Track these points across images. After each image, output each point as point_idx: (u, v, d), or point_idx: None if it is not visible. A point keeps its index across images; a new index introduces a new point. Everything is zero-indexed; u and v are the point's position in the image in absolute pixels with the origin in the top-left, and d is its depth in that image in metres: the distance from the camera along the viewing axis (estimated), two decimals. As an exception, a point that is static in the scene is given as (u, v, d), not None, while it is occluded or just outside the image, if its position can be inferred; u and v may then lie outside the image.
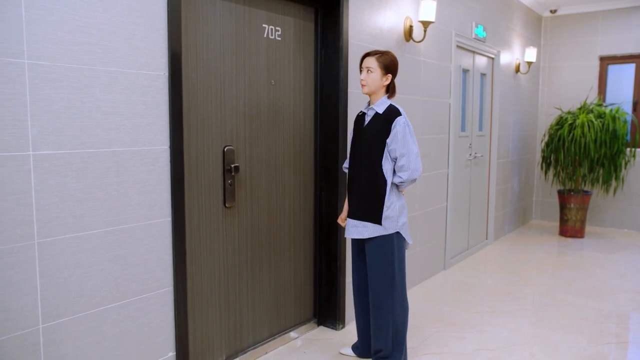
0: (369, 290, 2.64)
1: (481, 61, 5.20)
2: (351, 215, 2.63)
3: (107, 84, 1.96)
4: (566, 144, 5.71)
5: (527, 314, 3.62)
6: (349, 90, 3.18)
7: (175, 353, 2.31)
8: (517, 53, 5.95)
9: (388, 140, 2.50)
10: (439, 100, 4.30)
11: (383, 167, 2.52)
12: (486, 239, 5.63)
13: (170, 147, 2.21)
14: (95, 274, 1.98)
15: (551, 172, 6.28)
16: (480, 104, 5.31)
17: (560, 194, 6.02)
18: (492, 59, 5.42)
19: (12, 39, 1.69)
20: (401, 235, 2.59)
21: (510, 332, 3.29)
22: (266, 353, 2.94)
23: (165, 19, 2.15)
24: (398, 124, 2.48)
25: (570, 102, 6.50)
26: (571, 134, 5.67)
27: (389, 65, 2.54)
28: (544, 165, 6.18)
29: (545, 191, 6.87)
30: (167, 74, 2.17)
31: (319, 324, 3.34)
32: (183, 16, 2.33)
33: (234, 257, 2.74)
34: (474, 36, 4.79)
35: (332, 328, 3.29)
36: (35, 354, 1.82)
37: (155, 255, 2.20)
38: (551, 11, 6.59)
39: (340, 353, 2.95)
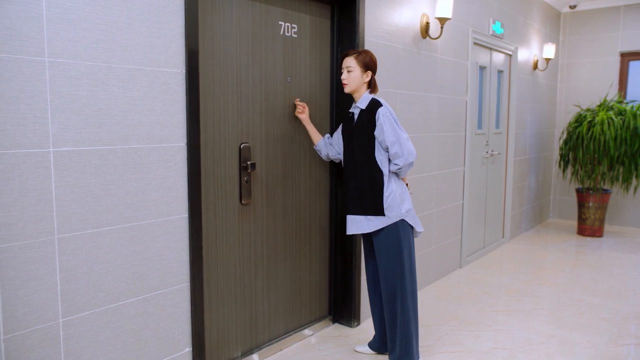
0: (380, 281, 2.65)
1: (498, 58, 5.14)
2: (351, 211, 2.66)
3: (125, 81, 1.98)
4: (585, 142, 5.63)
5: (544, 313, 3.58)
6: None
7: (191, 348, 2.33)
8: (535, 50, 5.87)
9: (376, 133, 2.55)
10: (455, 97, 4.27)
11: (377, 159, 2.57)
12: (502, 238, 5.57)
13: (187, 144, 2.22)
14: (113, 270, 2.01)
15: (569, 170, 6.20)
16: (497, 101, 5.25)
17: (579, 192, 5.94)
18: (510, 55, 5.35)
19: (33, 37, 1.72)
20: (406, 222, 2.60)
21: (526, 332, 3.25)
22: (281, 350, 2.95)
23: (182, 16, 2.16)
24: (381, 115, 2.53)
25: (590, 99, 6.40)
26: (590, 132, 5.58)
27: (368, 62, 2.62)
28: (562, 163, 6.10)
29: (563, 189, 6.78)
30: (184, 71, 2.19)
31: (334, 321, 3.34)
32: (200, 13, 2.34)
33: (249, 254, 2.75)
34: (491, 33, 4.74)
35: (347, 325, 3.29)
36: (55, 347, 1.85)
37: (172, 252, 2.22)
38: (570, 7, 6.48)
39: (356, 351, 2.95)
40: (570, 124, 5.94)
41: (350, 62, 2.61)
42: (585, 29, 6.54)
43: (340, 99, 3.17)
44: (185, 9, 2.16)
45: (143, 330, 2.13)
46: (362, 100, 2.63)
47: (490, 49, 4.93)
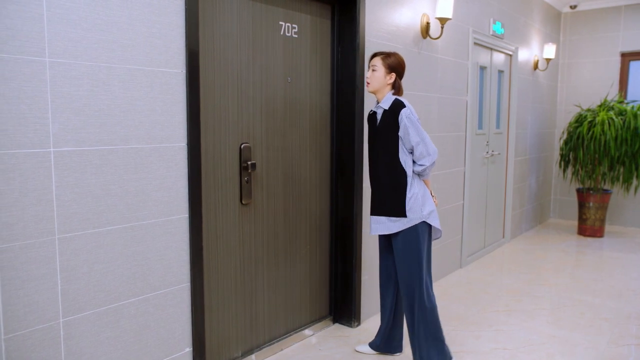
0: (399, 283, 2.66)
1: (499, 58, 5.14)
2: (375, 212, 2.67)
3: (125, 81, 1.99)
4: (585, 142, 5.62)
5: (544, 313, 3.58)
6: (365, 88, 3.17)
7: (192, 348, 2.33)
8: (535, 50, 5.87)
9: (400, 134, 2.55)
10: (455, 97, 4.27)
11: (401, 160, 2.57)
12: (503, 238, 5.57)
13: (187, 144, 2.23)
14: (114, 270, 2.01)
15: (570, 170, 6.19)
16: (498, 101, 5.25)
17: (579, 192, 5.93)
18: (510, 55, 5.35)
19: (34, 37, 1.72)
20: (427, 224, 2.61)
21: (527, 332, 3.25)
22: (282, 350, 2.95)
23: (183, 16, 2.16)
24: (404, 116, 2.53)
25: (590, 99, 6.39)
26: (591, 132, 5.57)
27: (395, 65, 2.62)
28: (562, 163, 6.10)
29: (564, 190, 6.78)
30: (184, 71, 2.19)
31: (335, 321, 3.34)
32: (200, 13, 2.35)
33: (250, 254, 2.75)
34: (491, 33, 4.73)
35: (348, 325, 3.29)
36: (55, 347, 1.85)
37: (173, 252, 2.22)
38: (571, 7, 6.48)
39: (356, 351, 2.95)
40: (570, 124, 5.94)
41: (375, 62, 2.63)
42: (585, 29, 6.53)
43: (341, 99, 3.17)
44: (186, 9, 2.16)
45: (143, 330, 2.13)
46: (385, 101, 2.62)
47: (491, 49, 4.93)
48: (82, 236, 1.90)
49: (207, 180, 2.48)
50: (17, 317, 1.75)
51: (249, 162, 2.64)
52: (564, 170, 6.12)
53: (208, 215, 2.49)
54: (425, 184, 2.68)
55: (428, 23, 3.71)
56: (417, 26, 3.67)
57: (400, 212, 2.57)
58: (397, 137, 2.57)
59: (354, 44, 3.08)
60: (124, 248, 2.04)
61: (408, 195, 2.57)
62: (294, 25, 2.88)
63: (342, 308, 3.31)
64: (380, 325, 2.88)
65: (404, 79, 3.53)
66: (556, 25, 6.53)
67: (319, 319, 3.26)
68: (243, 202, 2.66)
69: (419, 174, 2.62)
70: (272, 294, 2.92)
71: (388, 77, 2.62)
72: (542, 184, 6.53)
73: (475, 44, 4.57)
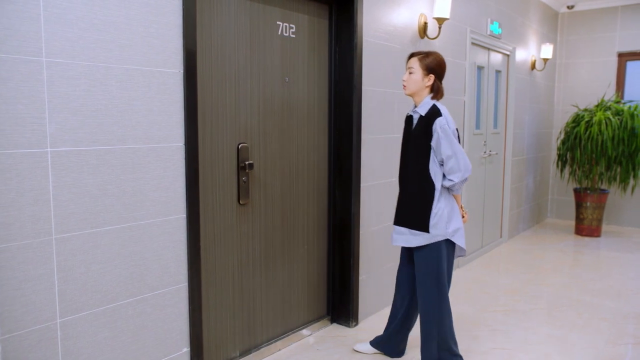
0: (418, 298, 2.59)
1: (496, 58, 5.14)
2: (398, 222, 2.59)
3: (123, 81, 1.98)
4: (583, 142, 5.64)
5: (542, 313, 3.58)
6: (363, 87, 3.17)
7: (189, 348, 2.32)
8: (533, 50, 5.88)
9: (432, 144, 2.44)
10: (453, 97, 4.27)
11: (430, 171, 2.46)
12: (500, 237, 5.58)
13: (185, 144, 2.22)
14: (111, 270, 2.01)
15: (567, 170, 6.20)
16: (495, 101, 5.26)
17: (577, 192, 5.95)
18: (508, 55, 5.36)
19: (31, 37, 1.72)
20: (451, 242, 2.51)
21: (525, 332, 3.26)
22: (279, 350, 2.95)
23: (180, 16, 2.16)
24: (438, 126, 2.41)
25: (587, 99, 6.41)
26: (588, 132, 5.59)
27: (433, 66, 2.50)
28: (559, 163, 6.11)
29: (561, 189, 6.79)
30: (182, 71, 2.19)
31: (332, 321, 3.34)
32: (198, 13, 2.34)
33: (247, 254, 2.75)
34: (489, 33, 4.74)
35: (345, 325, 3.29)
36: (53, 348, 1.85)
37: (170, 252, 2.21)
38: (568, 7, 6.49)
39: (355, 350, 2.94)
40: (568, 124, 5.95)
41: (413, 64, 2.51)
42: (583, 29, 6.55)
43: (338, 99, 3.17)
44: (183, 8, 2.16)
45: (141, 330, 2.13)
46: (422, 106, 2.51)
47: (488, 49, 4.93)
48: (79, 236, 1.90)
49: (205, 180, 2.47)
50: (14, 318, 1.75)
51: (247, 162, 2.64)
52: (562, 170, 6.13)
53: (205, 215, 2.49)
54: (455, 199, 2.57)
55: (426, 23, 3.72)
56: (415, 26, 3.68)
57: (424, 226, 2.47)
58: (429, 147, 2.45)
59: (351, 44, 3.08)
60: (122, 248, 2.04)
61: (434, 210, 2.45)
62: (291, 25, 2.88)
63: (340, 308, 3.31)
64: (387, 326, 2.85)
65: (401, 79, 3.55)
66: (553, 25, 6.54)
67: (317, 319, 3.26)
68: (241, 202, 2.66)
69: (448, 189, 2.51)
70: (270, 294, 2.91)
71: (426, 80, 2.50)
72: (539, 184, 6.54)
73: (473, 44, 4.57)
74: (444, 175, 2.47)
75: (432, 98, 2.53)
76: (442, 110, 2.47)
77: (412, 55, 2.56)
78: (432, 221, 2.46)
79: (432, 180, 2.46)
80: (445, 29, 4.01)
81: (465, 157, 2.43)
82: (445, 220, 2.47)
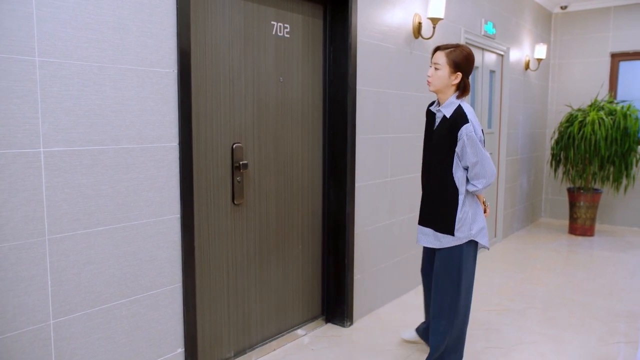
0: (432, 295, 2.55)
1: (490, 58, 5.16)
2: (423, 222, 2.55)
3: (116, 81, 1.97)
4: (576, 142, 5.67)
5: (536, 312, 3.60)
6: (357, 87, 3.17)
7: (184, 349, 2.32)
8: (526, 50, 5.91)
9: (457, 150, 2.35)
10: (447, 97, 4.28)
11: (454, 176, 2.40)
12: (495, 237, 5.60)
13: (179, 144, 2.22)
14: (105, 270, 2.00)
15: (561, 170, 6.24)
16: (489, 101, 5.28)
17: (570, 192, 5.98)
18: (502, 56, 5.38)
19: (23, 36, 1.70)
20: (473, 242, 2.48)
21: (519, 331, 3.27)
22: (274, 350, 2.95)
23: (174, 16, 2.15)
24: (464, 133, 2.31)
25: (581, 99, 6.44)
26: (581, 132, 5.62)
27: (460, 62, 2.35)
28: (553, 163, 6.14)
29: (555, 189, 6.83)
30: (176, 71, 2.18)
31: (327, 320, 3.35)
32: (192, 13, 2.34)
33: (242, 254, 2.75)
34: (483, 33, 4.76)
35: (341, 325, 3.29)
36: (46, 349, 1.84)
37: (164, 252, 2.21)
38: (561, 7, 6.52)
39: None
40: (561, 124, 5.98)
41: (439, 59, 2.36)
42: (576, 30, 6.58)
43: (333, 99, 3.17)
44: (177, 8, 2.15)
45: (135, 331, 2.12)
46: (447, 105, 2.39)
47: (482, 49, 4.95)
48: (72, 237, 1.89)
49: (199, 180, 2.47)
50: (6, 319, 1.73)
51: (241, 162, 2.63)
52: (555, 170, 6.16)
53: (200, 216, 2.48)
54: (477, 197, 2.53)
55: (420, 23, 3.72)
56: (409, 26, 3.68)
57: (449, 229, 2.42)
58: (453, 152, 2.36)
59: (346, 44, 3.08)
60: (115, 248, 2.03)
61: (459, 215, 2.40)
62: (286, 25, 2.87)
63: (335, 308, 3.31)
64: (425, 318, 2.87)
65: (396, 78, 3.56)
66: (547, 25, 6.57)
67: (312, 318, 3.26)
68: (235, 202, 2.66)
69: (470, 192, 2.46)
70: (265, 294, 2.91)
71: (453, 77, 2.36)
72: (533, 184, 6.57)
73: (467, 44, 4.58)
74: (467, 179, 2.42)
75: (458, 97, 2.41)
76: (468, 115, 2.35)
77: (437, 49, 2.40)
78: (457, 225, 2.42)
79: (456, 185, 2.40)
80: (440, 29, 4.02)
81: (490, 163, 2.37)
82: (470, 221, 2.43)
